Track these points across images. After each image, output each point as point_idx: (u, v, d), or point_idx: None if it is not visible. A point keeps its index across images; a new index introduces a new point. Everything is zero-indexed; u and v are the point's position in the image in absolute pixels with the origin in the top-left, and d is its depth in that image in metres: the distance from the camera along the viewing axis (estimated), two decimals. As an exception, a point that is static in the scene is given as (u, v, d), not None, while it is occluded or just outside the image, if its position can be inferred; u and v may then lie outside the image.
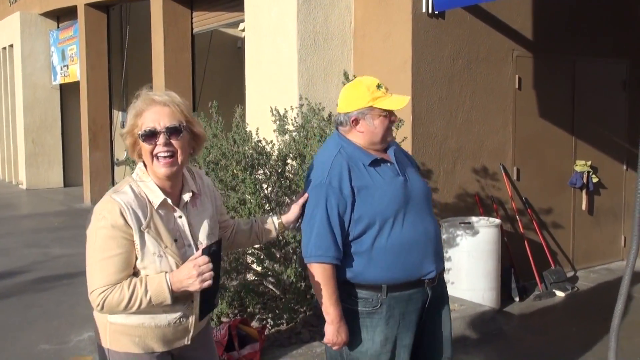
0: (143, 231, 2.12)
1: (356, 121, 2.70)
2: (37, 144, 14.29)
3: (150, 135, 2.17)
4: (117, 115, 12.95)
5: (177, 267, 2.17)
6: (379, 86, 2.68)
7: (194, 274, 2.10)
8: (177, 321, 2.27)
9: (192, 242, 2.26)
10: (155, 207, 2.17)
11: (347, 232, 2.63)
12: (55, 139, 14.47)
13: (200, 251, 2.15)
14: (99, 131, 12.26)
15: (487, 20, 6.14)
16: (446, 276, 5.61)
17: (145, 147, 2.19)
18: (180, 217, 2.25)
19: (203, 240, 2.29)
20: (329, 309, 2.61)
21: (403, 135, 5.31)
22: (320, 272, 2.60)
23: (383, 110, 2.67)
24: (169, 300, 2.15)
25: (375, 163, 2.69)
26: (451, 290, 5.58)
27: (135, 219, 2.11)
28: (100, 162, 12.23)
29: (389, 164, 2.72)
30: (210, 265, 2.11)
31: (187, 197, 2.28)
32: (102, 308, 2.12)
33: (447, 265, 5.65)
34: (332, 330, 2.63)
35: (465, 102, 6.07)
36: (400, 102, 2.70)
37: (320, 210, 2.61)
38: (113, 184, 2.20)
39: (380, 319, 2.66)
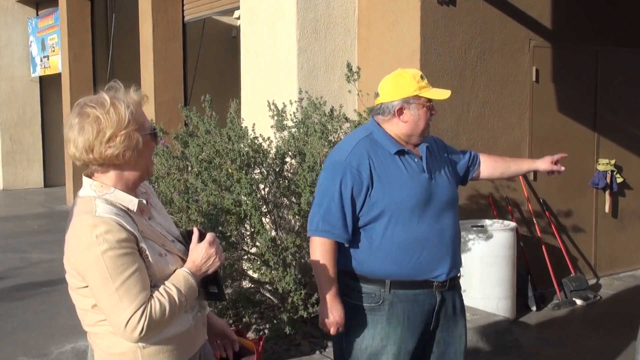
0: (143, 237, 2.13)
1: (401, 110, 2.87)
2: (15, 141, 14.31)
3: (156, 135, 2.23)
4: (102, 110, 12.94)
5: (182, 260, 2.22)
6: (422, 77, 2.88)
7: (212, 252, 2.20)
8: (197, 316, 2.30)
9: (173, 237, 2.31)
10: (135, 212, 2.18)
11: (357, 216, 2.78)
12: (34, 136, 14.49)
13: (197, 231, 2.23)
14: (82, 127, 12.26)
15: (501, 8, 6.16)
16: (457, 284, 5.64)
17: (152, 147, 2.24)
18: (149, 218, 2.28)
19: (175, 231, 2.35)
20: (324, 285, 2.78)
21: (411, 132, 5.32)
22: (321, 247, 2.77)
23: (427, 100, 2.87)
24: (196, 293, 2.21)
25: (402, 153, 2.85)
26: (464, 299, 5.65)
27: (132, 227, 2.10)
28: (83, 160, 12.21)
29: (416, 159, 2.88)
30: (217, 240, 2.23)
31: (144, 197, 2.31)
32: (145, 333, 2.04)
33: (458, 272, 5.67)
34: (324, 308, 2.79)
35: (478, 96, 6.09)
36: (443, 93, 2.89)
37: (334, 186, 2.77)
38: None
39: (382, 315, 2.80)
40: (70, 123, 2.12)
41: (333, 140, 5.00)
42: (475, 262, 5.62)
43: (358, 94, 5.63)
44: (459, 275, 3.00)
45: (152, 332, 2.07)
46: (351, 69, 5.36)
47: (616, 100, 7.09)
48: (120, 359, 2.16)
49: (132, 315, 2.01)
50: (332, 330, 2.82)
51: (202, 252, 2.20)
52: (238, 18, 11.18)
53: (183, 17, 9.61)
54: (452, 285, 2.94)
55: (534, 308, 6.06)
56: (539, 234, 6.40)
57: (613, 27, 6.96)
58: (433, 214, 2.83)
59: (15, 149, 14.32)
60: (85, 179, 2.19)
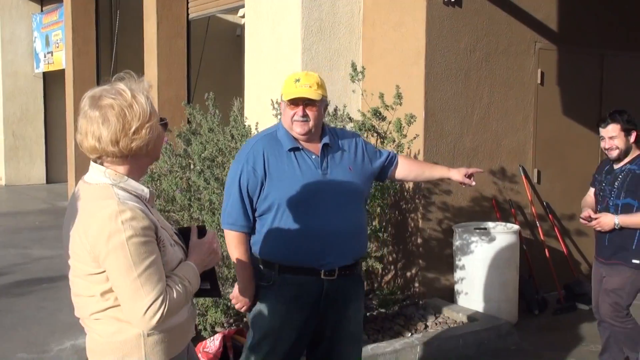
0: (158, 225, 2.15)
1: (282, 110, 3.23)
2: (17, 137, 14.32)
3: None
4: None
5: (184, 253, 2.27)
6: (297, 80, 3.11)
7: (214, 247, 2.29)
8: (190, 309, 2.34)
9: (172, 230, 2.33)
10: (147, 201, 2.20)
11: (254, 207, 3.13)
12: (37, 132, 14.50)
13: (195, 228, 2.33)
14: (85, 124, 12.25)
15: (507, 9, 6.14)
16: (459, 286, 5.63)
17: (163, 136, 2.28)
18: (152, 206, 2.30)
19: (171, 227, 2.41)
20: (238, 271, 3.16)
21: (415, 133, 5.32)
22: (230, 238, 3.15)
23: (289, 101, 3.12)
24: (199, 286, 2.25)
25: (296, 150, 3.13)
26: (464, 302, 5.66)
27: (151, 215, 2.14)
28: (86, 157, 11.93)
29: (314, 156, 3.14)
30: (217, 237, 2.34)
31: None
32: (163, 320, 2.07)
33: (460, 274, 5.66)
34: (236, 289, 3.16)
35: (482, 98, 6.07)
36: (302, 92, 3.08)
37: (234, 184, 3.13)
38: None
39: (272, 293, 3.14)
40: (88, 115, 2.09)
41: (336, 140, 4.98)
42: (477, 265, 5.60)
43: (362, 94, 5.61)
44: (354, 264, 3.24)
45: (167, 320, 2.09)
46: (355, 69, 5.34)
47: (621, 104, 7.01)
48: (121, 346, 2.15)
49: (152, 302, 2.02)
50: (239, 306, 3.20)
51: (205, 247, 2.28)
52: (242, 17, 11.16)
53: (187, 14, 9.59)
54: (344, 274, 3.17)
55: (536, 312, 6.03)
56: (542, 237, 6.37)
57: (619, 31, 6.93)
58: (326, 207, 3.09)
59: (17, 145, 14.33)
60: (96, 166, 2.16)
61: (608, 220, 4.26)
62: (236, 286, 3.18)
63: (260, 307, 3.17)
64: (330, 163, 3.16)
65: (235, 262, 3.17)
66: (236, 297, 3.18)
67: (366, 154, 3.35)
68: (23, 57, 14.31)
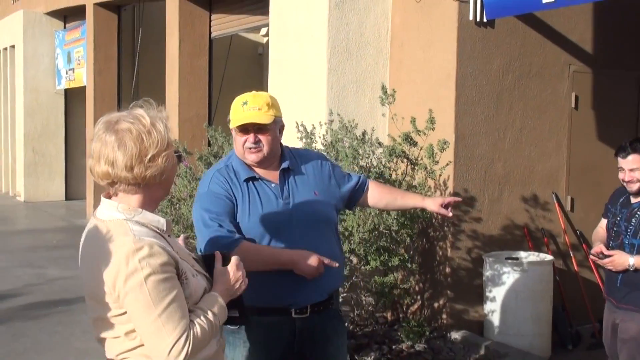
0: (178, 259, 2.07)
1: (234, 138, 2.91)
2: (37, 153, 14.25)
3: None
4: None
5: (208, 281, 2.19)
6: (244, 103, 2.80)
7: (240, 274, 2.20)
8: (219, 341, 2.24)
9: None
10: (165, 232, 2.13)
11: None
12: (57, 148, 14.42)
13: (219, 254, 2.24)
14: (105, 141, 12.16)
15: (541, 31, 5.94)
16: (489, 318, 5.40)
17: (176, 167, 2.22)
18: (169, 235, 2.21)
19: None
20: (282, 256, 2.73)
21: (447, 159, 5.09)
22: (244, 251, 2.61)
23: (238, 128, 2.80)
24: (226, 316, 2.17)
25: (253, 180, 2.83)
26: (495, 335, 5.42)
27: (169, 249, 2.04)
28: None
29: (273, 184, 2.84)
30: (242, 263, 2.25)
31: None
32: (188, 357, 1.99)
33: (490, 306, 5.41)
34: (297, 262, 2.72)
35: (514, 122, 5.86)
36: (249, 117, 2.77)
37: (203, 213, 2.74)
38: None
39: (240, 339, 2.81)
40: (103, 139, 2.01)
41: (364, 165, 4.76)
42: (508, 297, 5.36)
43: (393, 118, 5.39)
44: (329, 299, 2.90)
45: (194, 356, 2.02)
46: (386, 92, 5.13)
47: (658, 129, 6.79)
48: None
49: (176, 342, 1.96)
50: (320, 269, 2.74)
51: (231, 275, 2.19)
52: (265, 35, 11.06)
53: (210, 33, 9.50)
54: (317, 310, 2.86)
55: (570, 346, 5.76)
56: (575, 268, 6.10)
57: (656, 54, 6.68)
58: (292, 238, 2.78)
59: (37, 161, 14.26)
60: (107, 202, 2.08)
61: (622, 261, 3.78)
62: (300, 265, 2.73)
63: (229, 355, 2.82)
64: (292, 189, 2.87)
65: (270, 260, 2.74)
66: (312, 269, 2.73)
67: (333, 177, 3.04)
68: (45, 74, 14.28)
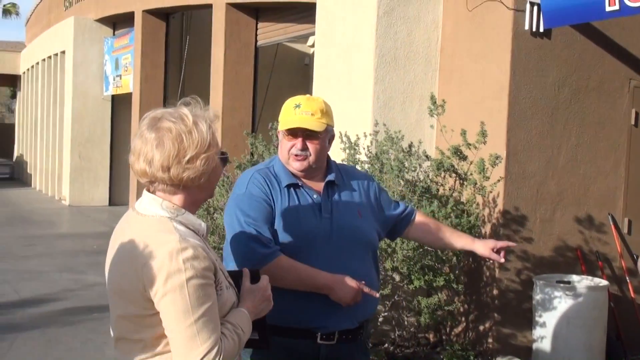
0: (217, 266, 1.99)
1: (279, 141, 2.72)
2: (83, 158, 14.38)
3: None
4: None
5: (236, 294, 2.09)
6: (297, 105, 2.62)
7: (268, 294, 2.12)
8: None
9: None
10: (204, 237, 2.05)
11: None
12: (103, 154, 14.53)
13: (247, 272, 2.14)
14: (149, 148, 12.18)
15: (600, 43, 5.66)
16: (538, 345, 5.13)
17: (221, 170, 2.12)
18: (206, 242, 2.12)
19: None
20: (318, 279, 2.50)
21: (498, 176, 4.83)
22: (278, 267, 2.46)
23: (287, 131, 2.62)
24: (249, 335, 2.07)
25: (295, 187, 2.62)
26: None
27: (211, 254, 1.98)
28: (149, 181, 12.11)
29: (315, 195, 2.63)
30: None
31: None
32: None
33: (540, 332, 5.12)
34: (336, 289, 2.50)
35: (570, 138, 5.59)
36: (301, 121, 2.58)
37: (242, 217, 2.53)
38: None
39: None
40: (144, 136, 1.95)
41: (410, 179, 4.53)
42: (560, 323, 5.05)
43: (442, 130, 5.15)
44: (359, 327, 2.64)
45: None
46: (435, 102, 4.90)
47: None
48: None
49: (208, 352, 1.86)
50: (358, 297, 2.52)
51: (260, 294, 2.11)
52: (312, 46, 10.93)
53: (256, 41, 9.42)
54: (346, 339, 2.60)
55: (624, 378, 5.41)
56: (632, 294, 5.78)
57: None
58: (328, 257, 2.55)
59: (83, 166, 14.39)
60: (151, 197, 2.00)
61: None
62: (337, 292, 2.51)
63: None
64: (335, 205, 2.65)
65: (303, 281, 2.51)
66: (349, 297, 2.51)
67: (380, 201, 2.82)
68: (93, 80, 14.42)
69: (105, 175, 14.62)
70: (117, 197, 14.53)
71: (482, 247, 2.89)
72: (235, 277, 2.14)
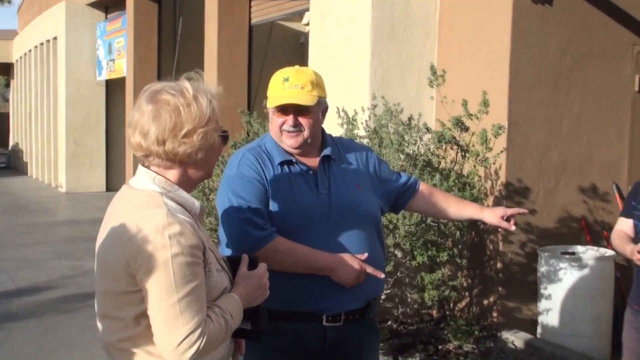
0: (206, 246, 1.92)
1: (270, 117, 2.60)
2: (79, 145, 14.29)
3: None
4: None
5: (230, 280, 2.02)
6: (286, 79, 2.50)
7: (264, 282, 2.05)
8: (228, 346, 2.07)
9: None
10: (197, 216, 1.98)
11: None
12: (98, 140, 14.44)
13: (246, 258, 2.07)
14: (145, 132, 12.11)
15: (602, 8, 5.58)
16: (544, 318, 5.07)
17: (221, 149, 2.05)
18: (201, 223, 2.06)
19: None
20: (318, 261, 2.40)
21: (501, 146, 4.73)
22: (275, 250, 2.36)
23: (277, 107, 2.50)
24: (240, 322, 2.00)
25: (289, 164, 2.50)
26: (550, 336, 5.09)
27: (200, 233, 1.90)
28: (145, 165, 12.04)
29: (311, 171, 2.51)
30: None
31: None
32: (198, 355, 1.81)
33: (545, 304, 5.05)
34: (341, 274, 2.41)
35: (573, 107, 5.51)
36: (287, 96, 2.47)
37: (234, 199, 2.42)
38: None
39: (261, 349, 2.36)
40: (142, 108, 1.90)
41: (410, 153, 4.41)
42: (565, 295, 5.01)
43: (442, 101, 5.04)
44: (366, 307, 2.55)
45: (202, 356, 1.84)
46: (435, 72, 4.79)
47: None
48: None
49: (189, 334, 1.79)
50: (361, 277, 2.43)
51: (255, 281, 2.03)
52: (307, 24, 10.78)
53: (250, 19, 9.25)
54: (352, 319, 2.51)
55: (632, 349, 5.33)
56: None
57: None
58: (328, 235, 2.45)
59: (79, 152, 14.30)
60: (144, 171, 1.94)
61: None
62: (339, 273, 2.42)
63: None
64: (332, 180, 2.53)
65: (301, 261, 2.41)
66: (351, 278, 2.42)
67: (380, 173, 2.71)
68: (86, 65, 14.29)
69: (102, 161, 14.54)
70: (114, 183, 14.43)
71: (491, 216, 2.76)
72: (233, 264, 2.06)
